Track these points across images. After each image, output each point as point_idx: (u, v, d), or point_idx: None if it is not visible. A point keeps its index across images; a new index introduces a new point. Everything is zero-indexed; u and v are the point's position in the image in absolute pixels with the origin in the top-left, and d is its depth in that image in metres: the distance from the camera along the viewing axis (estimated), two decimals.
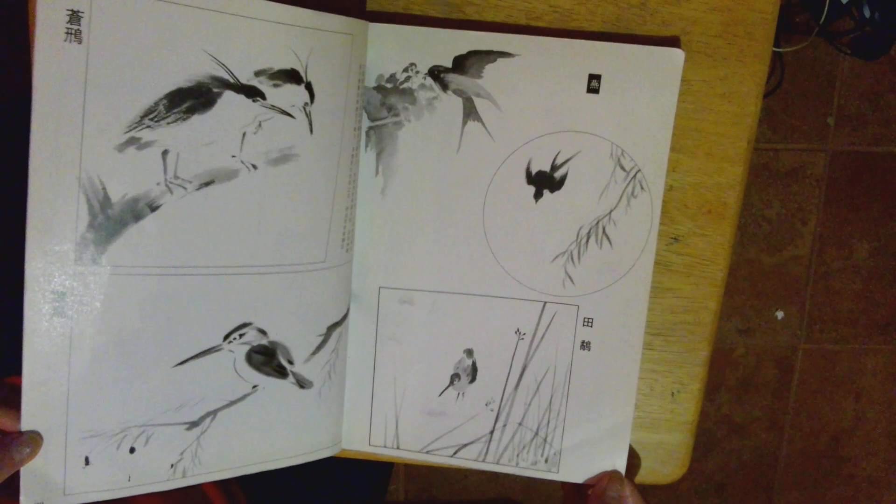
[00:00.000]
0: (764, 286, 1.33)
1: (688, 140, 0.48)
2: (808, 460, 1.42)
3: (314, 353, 0.47)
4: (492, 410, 0.50)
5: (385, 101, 0.47)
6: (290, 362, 0.46)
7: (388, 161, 0.48)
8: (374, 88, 0.47)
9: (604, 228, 0.48)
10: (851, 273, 1.34)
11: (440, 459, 0.51)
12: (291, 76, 0.41)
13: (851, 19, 1.18)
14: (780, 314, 1.35)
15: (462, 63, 0.46)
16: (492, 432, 0.50)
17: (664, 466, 0.54)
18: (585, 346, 0.49)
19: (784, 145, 1.28)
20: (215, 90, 0.39)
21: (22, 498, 0.41)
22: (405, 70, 0.47)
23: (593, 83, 0.46)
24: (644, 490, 0.50)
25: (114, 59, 0.37)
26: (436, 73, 0.47)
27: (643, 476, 0.54)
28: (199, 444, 0.45)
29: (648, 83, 0.46)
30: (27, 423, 0.40)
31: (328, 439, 0.50)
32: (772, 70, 1.20)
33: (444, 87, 0.47)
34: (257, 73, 0.40)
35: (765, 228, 1.31)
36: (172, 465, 0.45)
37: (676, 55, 0.45)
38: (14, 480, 0.41)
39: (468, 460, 0.51)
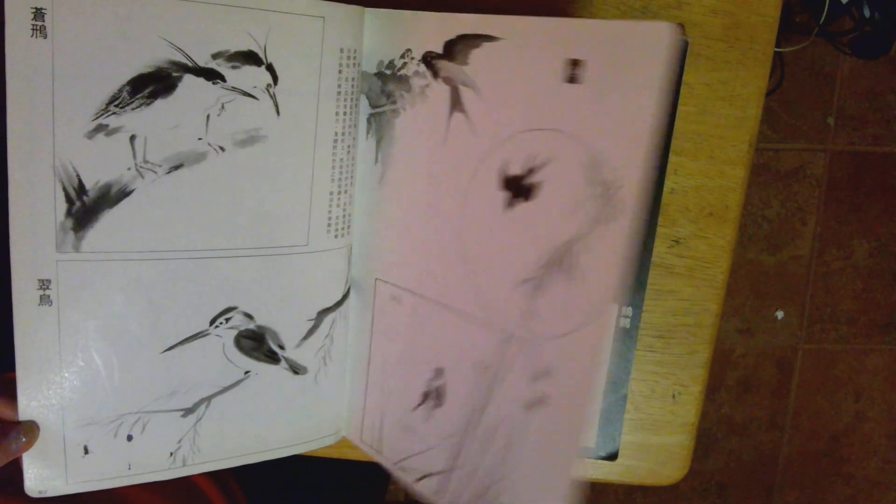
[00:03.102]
0: (764, 286, 1.34)
1: (689, 143, 0.48)
2: (808, 460, 1.42)
3: (305, 338, 0.47)
4: (451, 445, 0.45)
5: (384, 87, 0.46)
6: (281, 347, 0.47)
7: (387, 149, 0.47)
8: (375, 75, 0.46)
9: (575, 255, 0.39)
10: (851, 273, 1.34)
11: (406, 481, 0.47)
12: (249, 58, 0.42)
13: (851, 19, 1.18)
14: (780, 314, 1.35)
15: (451, 48, 0.43)
16: (450, 471, 0.45)
17: (665, 468, 0.54)
18: (539, 399, 0.41)
19: (784, 145, 1.28)
20: (175, 74, 0.40)
21: (26, 485, 0.42)
22: (402, 56, 0.45)
23: (573, 70, 0.38)
24: (644, 491, 0.50)
25: (77, 50, 0.38)
26: (428, 60, 0.44)
27: (644, 477, 0.54)
28: (196, 431, 0.46)
29: (635, 69, 0.36)
30: (24, 412, 0.41)
31: (328, 427, 0.50)
32: (772, 70, 1.20)
33: (435, 74, 0.44)
34: (214, 56, 0.41)
35: (765, 228, 1.31)
36: (171, 454, 0.45)
37: (663, 29, 0.34)
38: (16, 477, 0.42)
39: (427, 493, 0.46)
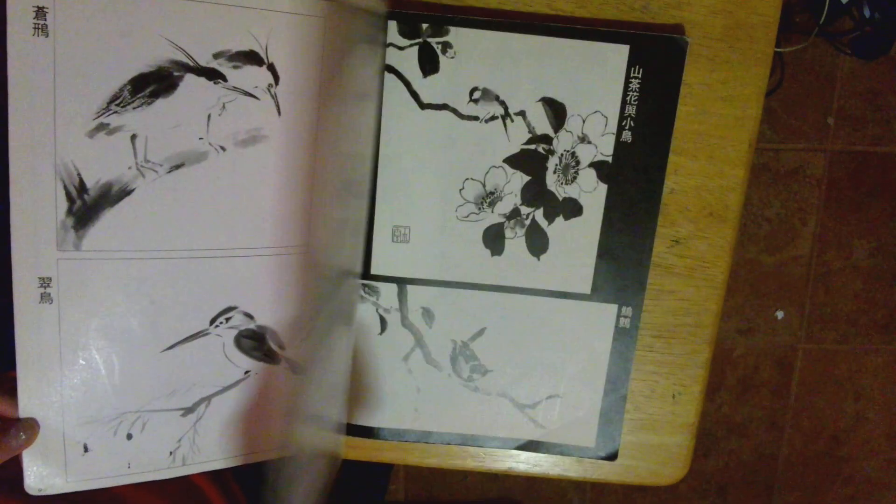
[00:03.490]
0: (764, 286, 1.33)
1: (689, 143, 0.48)
2: (808, 460, 1.42)
3: (305, 338, 0.47)
4: None
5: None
6: (281, 347, 0.47)
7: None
8: None
9: None
10: (851, 273, 1.34)
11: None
12: (251, 58, 0.42)
13: (851, 19, 1.18)
14: (780, 314, 1.35)
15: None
16: None
17: (665, 468, 0.54)
18: None
19: (784, 145, 1.28)
20: (176, 74, 0.41)
21: (26, 483, 0.42)
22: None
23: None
24: (644, 491, 0.50)
25: (78, 49, 0.39)
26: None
27: (644, 477, 0.54)
28: (196, 430, 0.46)
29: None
30: (24, 410, 0.41)
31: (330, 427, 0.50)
32: (772, 70, 1.20)
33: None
34: (216, 56, 0.41)
35: (765, 228, 1.31)
36: (171, 453, 0.45)
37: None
38: (16, 475, 0.42)
39: None
